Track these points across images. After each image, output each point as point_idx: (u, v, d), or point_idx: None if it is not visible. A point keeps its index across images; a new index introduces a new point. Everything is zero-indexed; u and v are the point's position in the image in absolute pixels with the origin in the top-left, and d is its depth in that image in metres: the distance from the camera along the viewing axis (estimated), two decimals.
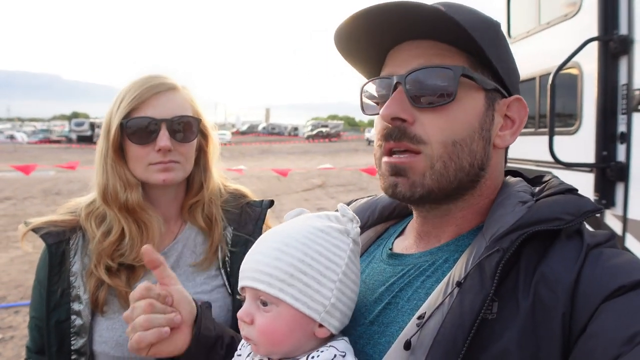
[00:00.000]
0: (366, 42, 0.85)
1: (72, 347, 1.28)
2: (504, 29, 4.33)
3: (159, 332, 0.89)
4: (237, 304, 1.30)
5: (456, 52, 0.81)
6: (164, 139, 1.28)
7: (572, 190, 0.80)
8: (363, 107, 0.92)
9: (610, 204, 3.07)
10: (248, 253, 0.85)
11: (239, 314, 0.82)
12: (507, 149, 0.90)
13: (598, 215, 2.95)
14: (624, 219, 2.96)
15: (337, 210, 0.87)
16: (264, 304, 0.80)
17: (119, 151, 1.31)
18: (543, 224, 0.71)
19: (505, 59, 0.85)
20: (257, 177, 16.84)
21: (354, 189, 14.91)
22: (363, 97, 0.92)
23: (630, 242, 2.87)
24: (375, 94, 0.89)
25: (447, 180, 0.80)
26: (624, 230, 2.96)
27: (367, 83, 0.90)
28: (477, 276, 0.70)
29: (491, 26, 0.84)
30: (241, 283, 0.82)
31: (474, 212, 0.86)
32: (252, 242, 1.39)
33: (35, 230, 1.33)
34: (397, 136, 0.80)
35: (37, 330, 1.35)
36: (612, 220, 3.05)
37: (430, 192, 0.81)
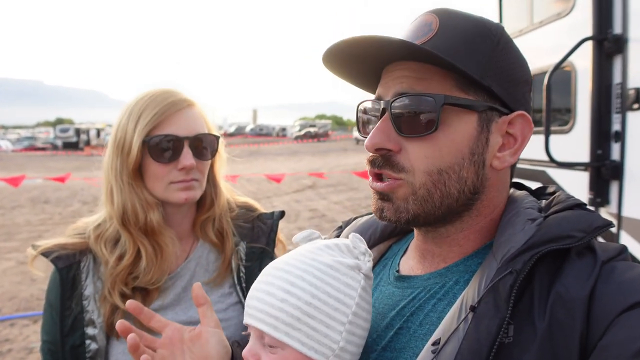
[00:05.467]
0: (363, 62, 0.83)
1: None
2: None
3: None
4: None
5: (443, 74, 0.77)
6: (187, 157, 1.26)
7: (581, 205, 0.78)
8: (359, 127, 0.89)
9: (605, 202, 3.10)
10: (253, 286, 0.82)
11: (244, 353, 0.80)
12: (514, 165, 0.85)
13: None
14: (619, 217, 2.99)
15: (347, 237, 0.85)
16: (270, 344, 0.77)
17: (137, 170, 1.27)
18: (555, 243, 0.70)
19: (507, 69, 0.81)
20: (246, 180, 16.76)
21: (345, 189, 14.90)
22: (359, 114, 0.89)
23: (625, 239, 2.91)
24: (369, 114, 0.87)
25: (432, 205, 0.78)
26: (619, 227, 3.00)
27: (362, 103, 0.88)
28: (492, 300, 0.69)
29: (488, 37, 0.79)
30: (246, 319, 0.81)
31: (476, 232, 0.84)
32: (267, 251, 1.38)
33: (44, 254, 1.29)
34: (379, 164, 0.80)
35: (50, 355, 1.32)
36: (606, 217, 3.08)
37: (416, 217, 0.79)
